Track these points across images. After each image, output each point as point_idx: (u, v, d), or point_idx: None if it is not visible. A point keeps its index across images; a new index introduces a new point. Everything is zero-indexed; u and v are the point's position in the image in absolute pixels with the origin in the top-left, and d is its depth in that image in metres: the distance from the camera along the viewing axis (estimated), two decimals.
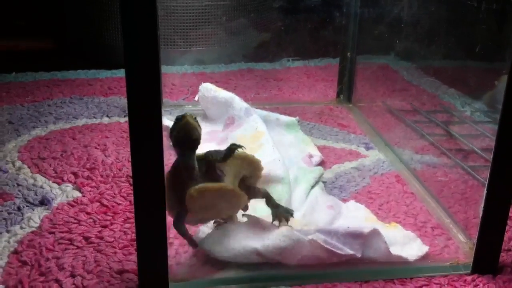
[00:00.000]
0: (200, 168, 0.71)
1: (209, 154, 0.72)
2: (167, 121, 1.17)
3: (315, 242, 0.71)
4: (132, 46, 0.57)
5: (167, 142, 1.00)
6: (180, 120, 0.69)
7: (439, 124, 1.19)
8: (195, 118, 0.70)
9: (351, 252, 0.71)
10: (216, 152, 0.73)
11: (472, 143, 1.09)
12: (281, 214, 0.76)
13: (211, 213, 0.74)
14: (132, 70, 0.58)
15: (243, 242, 0.72)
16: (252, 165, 0.77)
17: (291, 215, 0.76)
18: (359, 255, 0.72)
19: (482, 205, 0.71)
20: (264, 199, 0.78)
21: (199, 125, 0.70)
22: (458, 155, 1.06)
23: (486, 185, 0.70)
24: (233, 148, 0.73)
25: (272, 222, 0.75)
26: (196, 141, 0.70)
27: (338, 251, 0.71)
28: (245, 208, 0.77)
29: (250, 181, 0.78)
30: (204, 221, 0.77)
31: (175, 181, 0.70)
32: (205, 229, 0.78)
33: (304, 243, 0.71)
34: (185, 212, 0.70)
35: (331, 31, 1.38)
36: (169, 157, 0.65)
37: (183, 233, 0.71)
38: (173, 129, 0.70)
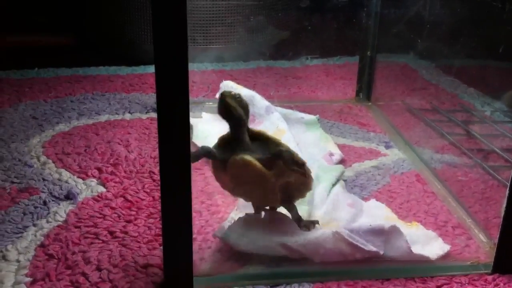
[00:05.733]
0: (252, 144, 0.71)
1: (280, 151, 0.70)
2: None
3: (339, 235, 0.72)
4: (163, 44, 0.58)
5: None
6: (221, 99, 0.70)
7: (459, 124, 1.19)
8: (238, 97, 0.70)
9: (374, 249, 0.72)
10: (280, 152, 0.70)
11: (492, 143, 1.09)
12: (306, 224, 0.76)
13: (241, 189, 0.74)
14: (162, 67, 0.59)
15: (268, 235, 0.73)
16: (300, 176, 0.73)
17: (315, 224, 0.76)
18: (381, 252, 0.73)
19: (504, 205, 0.71)
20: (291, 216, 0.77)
21: (241, 104, 0.70)
22: (478, 155, 1.06)
23: (508, 185, 0.70)
24: (277, 154, 0.70)
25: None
26: (238, 120, 0.70)
27: (362, 246, 0.72)
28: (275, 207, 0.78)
29: (292, 192, 0.75)
30: (232, 192, 0.76)
31: (225, 142, 0.72)
32: (227, 223, 0.79)
33: (328, 235, 0.72)
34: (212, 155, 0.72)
35: (351, 29, 1.38)
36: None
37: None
38: (218, 104, 0.71)
